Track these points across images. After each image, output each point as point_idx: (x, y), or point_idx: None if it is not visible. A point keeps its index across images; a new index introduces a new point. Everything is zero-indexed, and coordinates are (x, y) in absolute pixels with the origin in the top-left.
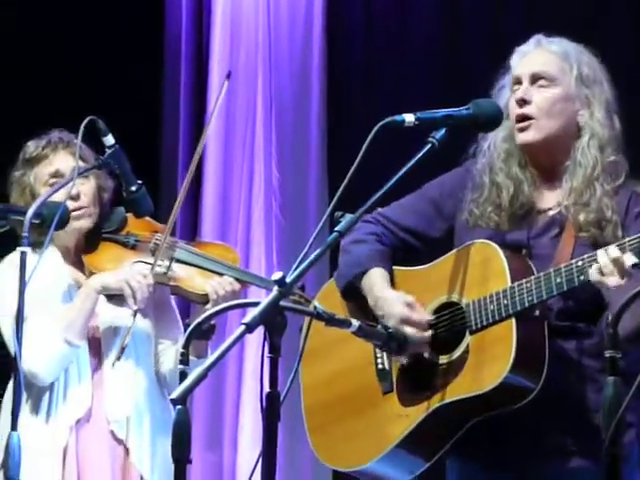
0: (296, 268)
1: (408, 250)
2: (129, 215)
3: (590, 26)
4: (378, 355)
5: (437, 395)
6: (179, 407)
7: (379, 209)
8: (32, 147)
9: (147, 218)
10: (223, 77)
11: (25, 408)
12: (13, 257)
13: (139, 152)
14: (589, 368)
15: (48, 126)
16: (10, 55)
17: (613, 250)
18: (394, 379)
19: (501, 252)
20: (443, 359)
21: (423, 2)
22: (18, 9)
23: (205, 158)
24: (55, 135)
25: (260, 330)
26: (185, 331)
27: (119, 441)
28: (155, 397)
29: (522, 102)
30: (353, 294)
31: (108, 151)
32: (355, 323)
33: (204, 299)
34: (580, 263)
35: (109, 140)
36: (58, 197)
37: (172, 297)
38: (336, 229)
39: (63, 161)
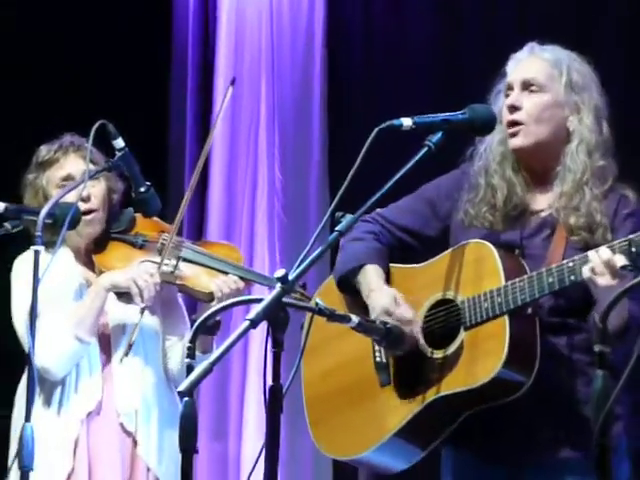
0: (298, 266)
1: (405, 249)
2: (138, 215)
3: (583, 30)
4: (376, 349)
5: (433, 388)
6: (186, 399)
7: (378, 209)
8: (44, 151)
9: (155, 218)
10: (228, 83)
11: (38, 401)
12: (27, 255)
13: (147, 154)
14: (579, 362)
15: (59, 128)
16: (30, 61)
17: (604, 252)
18: (391, 372)
19: (495, 251)
20: (438, 354)
21: (423, 16)
22: (41, 15)
23: (211, 161)
24: (67, 139)
25: (263, 326)
26: (191, 327)
27: (128, 433)
28: (163, 391)
29: (513, 108)
30: (348, 288)
31: (118, 154)
32: (355, 319)
33: (209, 297)
34: (571, 264)
35: (119, 143)
36: (69, 199)
37: (179, 295)
38: (337, 229)
39: (74, 165)
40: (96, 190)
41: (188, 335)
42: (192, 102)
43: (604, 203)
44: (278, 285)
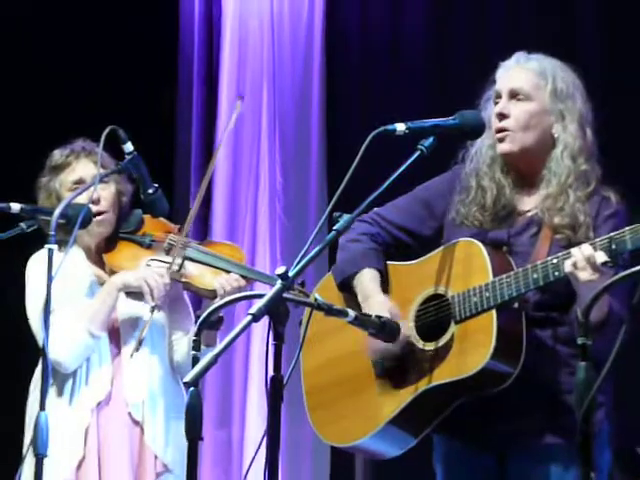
0: (298, 263)
1: (401, 247)
2: (146, 216)
3: (567, 38)
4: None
5: (424, 379)
6: (192, 389)
7: (375, 208)
8: (57, 155)
9: (162, 219)
10: (232, 95)
11: (51, 392)
12: (41, 254)
13: (155, 159)
14: (563, 354)
15: (72, 134)
16: (46, 73)
17: (586, 248)
18: (386, 363)
19: (484, 249)
20: (430, 346)
21: (417, 29)
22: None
23: (216, 165)
24: (78, 144)
25: (265, 320)
26: (196, 322)
27: (136, 422)
28: (169, 382)
29: (501, 116)
30: (347, 288)
31: (127, 157)
32: (351, 313)
33: (213, 294)
34: (555, 261)
35: (128, 147)
36: (81, 201)
37: (185, 292)
38: (334, 228)
39: (85, 169)
40: (106, 193)
41: (193, 329)
42: (197, 114)
43: (587, 204)
44: (279, 281)
